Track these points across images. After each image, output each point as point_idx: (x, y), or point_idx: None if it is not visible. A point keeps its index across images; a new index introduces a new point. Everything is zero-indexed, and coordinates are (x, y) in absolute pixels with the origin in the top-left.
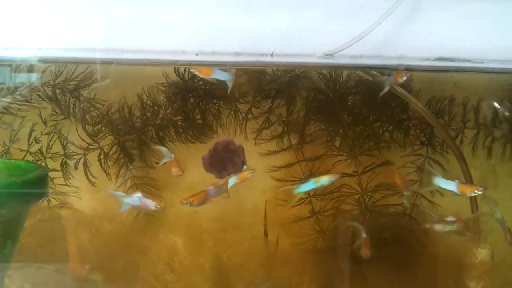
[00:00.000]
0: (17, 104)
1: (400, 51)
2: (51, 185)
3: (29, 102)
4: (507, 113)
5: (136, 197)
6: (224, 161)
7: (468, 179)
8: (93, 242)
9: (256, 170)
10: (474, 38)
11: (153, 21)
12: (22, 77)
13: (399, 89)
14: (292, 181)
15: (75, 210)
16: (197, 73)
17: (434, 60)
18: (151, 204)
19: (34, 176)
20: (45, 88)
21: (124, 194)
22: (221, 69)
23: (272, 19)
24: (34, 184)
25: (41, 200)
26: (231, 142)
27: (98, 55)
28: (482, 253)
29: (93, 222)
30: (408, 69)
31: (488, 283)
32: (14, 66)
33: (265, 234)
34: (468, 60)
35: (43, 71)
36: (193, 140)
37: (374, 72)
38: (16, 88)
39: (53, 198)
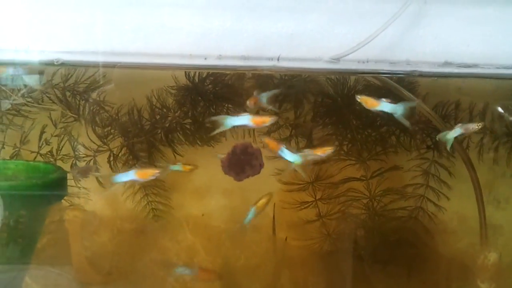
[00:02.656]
0: (27, 106)
1: (405, 56)
2: None
3: (39, 104)
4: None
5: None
6: (243, 163)
7: (475, 183)
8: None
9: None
10: (479, 43)
11: (160, 25)
12: (32, 79)
13: (406, 92)
14: (298, 184)
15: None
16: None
17: (439, 65)
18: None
19: (54, 178)
20: (55, 90)
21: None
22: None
23: (278, 23)
24: (54, 186)
25: (60, 201)
26: (249, 145)
27: (105, 59)
28: (490, 257)
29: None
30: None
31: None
32: (24, 68)
33: (274, 233)
34: (473, 65)
35: (53, 74)
36: (201, 144)
37: (383, 77)
38: (26, 90)
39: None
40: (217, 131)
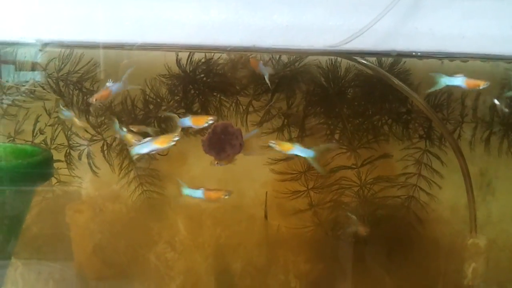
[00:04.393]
0: (21, 96)
1: (399, 47)
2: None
3: (33, 94)
4: (505, 110)
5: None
6: (223, 143)
7: (465, 172)
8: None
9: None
10: (474, 34)
11: (156, 17)
12: (26, 68)
13: (397, 82)
14: (291, 174)
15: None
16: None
17: (433, 55)
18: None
19: (40, 159)
20: (49, 80)
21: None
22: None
23: (273, 14)
24: (40, 166)
25: (46, 182)
26: (229, 124)
27: (101, 49)
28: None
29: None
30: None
31: (479, 265)
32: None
33: (266, 217)
34: (467, 56)
35: (47, 64)
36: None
37: (374, 66)
38: (20, 80)
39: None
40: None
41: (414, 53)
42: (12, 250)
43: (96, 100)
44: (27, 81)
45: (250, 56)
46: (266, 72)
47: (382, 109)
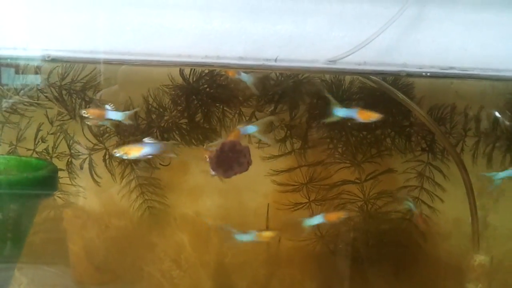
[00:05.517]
0: (24, 104)
1: (402, 59)
2: None
3: (36, 103)
4: (507, 123)
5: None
6: (231, 161)
7: (468, 186)
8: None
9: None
10: (477, 47)
11: (159, 26)
12: (29, 78)
13: (401, 96)
14: (292, 185)
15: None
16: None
17: (436, 68)
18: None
19: (45, 173)
20: (52, 89)
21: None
22: None
23: (276, 25)
24: (45, 181)
25: (51, 196)
26: (237, 142)
27: (104, 58)
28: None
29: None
30: (410, 75)
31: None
32: (22, 67)
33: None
34: (470, 69)
35: (50, 72)
36: (196, 144)
37: (377, 79)
38: (23, 89)
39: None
40: None
41: (424, 73)
42: (16, 260)
43: (87, 113)
44: (30, 88)
45: None
46: (248, 79)
47: (385, 122)
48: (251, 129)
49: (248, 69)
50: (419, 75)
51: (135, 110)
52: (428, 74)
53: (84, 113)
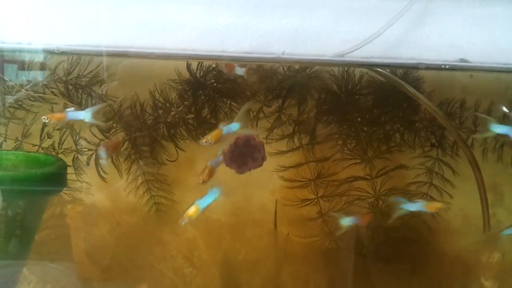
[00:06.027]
0: (29, 99)
1: (410, 54)
2: None
3: (42, 98)
4: None
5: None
6: (245, 156)
7: (479, 182)
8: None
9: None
10: (485, 41)
11: (164, 21)
12: (34, 73)
13: (411, 89)
14: (300, 181)
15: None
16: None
17: (444, 62)
18: None
19: (53, 169)
20: (58, 83)
21: None
22: None
23: (282, 19)
24: (53, 177)
25: (59, 193)
26: (252, 137)
27: (107, 53)
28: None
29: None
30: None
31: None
32: (27, 62)
33: (275, 227)
34: (478, 64)
35: (55, 67)
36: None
37: (386, 72)
38: (28, 84)
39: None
40: None
41: (442, 66)
42: (26, 257)
43: (47, 119)
44: (36, 84)
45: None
46: (243, 74)
47: (395, 117)
48: (234, 127)
49: (255, 62)
50: (437, 68)
51: (100, 106)
52: (447, 66)
53: (44, 118)
